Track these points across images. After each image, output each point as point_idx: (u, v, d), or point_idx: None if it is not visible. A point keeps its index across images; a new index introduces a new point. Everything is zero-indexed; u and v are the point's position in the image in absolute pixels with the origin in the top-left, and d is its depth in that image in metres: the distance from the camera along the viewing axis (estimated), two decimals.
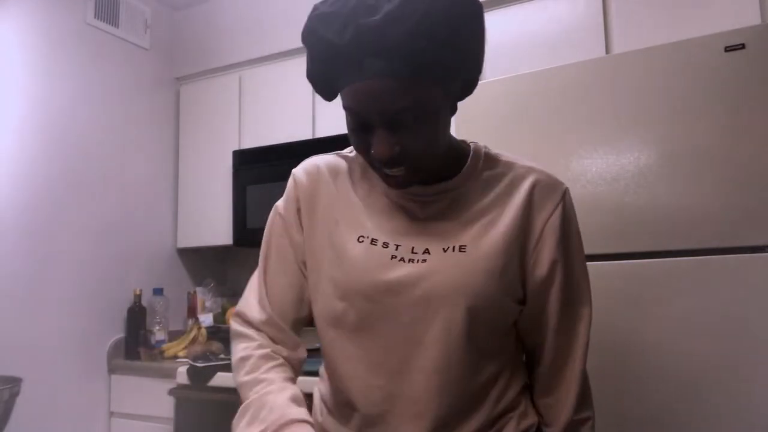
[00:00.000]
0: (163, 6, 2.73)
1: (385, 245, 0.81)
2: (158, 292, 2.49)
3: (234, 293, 2.86)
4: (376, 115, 0.71)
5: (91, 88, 2.36)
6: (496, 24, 2.05)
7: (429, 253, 0.79)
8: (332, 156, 0.92)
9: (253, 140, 2.50)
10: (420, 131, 0.72)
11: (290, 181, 0.93)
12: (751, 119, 1.28)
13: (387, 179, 0.77)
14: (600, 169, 1.41)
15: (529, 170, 0.83)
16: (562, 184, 0.84)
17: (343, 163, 0.90)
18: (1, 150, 2.03)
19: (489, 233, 0.79)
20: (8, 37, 2.08)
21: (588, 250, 1.40)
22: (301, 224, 0.90)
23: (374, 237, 0.81)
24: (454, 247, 0.79)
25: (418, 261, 0.79)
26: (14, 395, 1.31)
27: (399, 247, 0.80)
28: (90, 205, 2.31)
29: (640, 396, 1.31)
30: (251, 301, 0.91)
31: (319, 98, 2.37)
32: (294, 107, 2.42)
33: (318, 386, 0.96)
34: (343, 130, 2.25)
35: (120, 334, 2.38)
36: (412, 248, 0.80)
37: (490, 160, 0.85)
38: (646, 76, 1.39)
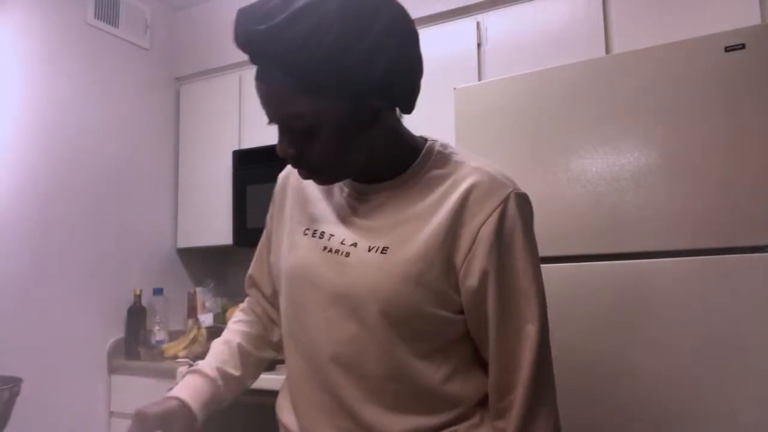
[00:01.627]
0: (163, 6, 2.73)
1: (321, 235, 0.82)
2: (158, 292, 2.49)
3: (234, 293, 2.86)
4: (272, 116, 0.73)
5: (91, 88, 2.36)
6: (496, 24, 2.05)
7: (356, 247, 0.78)
8: None
9: (253, 140, 2.49)
10: (315, 141, 0.72)
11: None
12: (751, 119, 1.27)
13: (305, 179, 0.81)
14: (600, 169, 1.41)
15: (474, 171, 0.78)
16: (507, 186, 0.77)
17: None
18: (0, 150, 2.03)
19: (414, 237, 0.76)
20: (8, 37, 2.08)
21: (588, 250, 1.41)
22: (272, 220, 0.98)
23: (316, 228, 0.83)
24: (377, 248, 0.77)
25: (342, 253, 0.79)
26: (14, 395, 1.31)
27: (332, 238, 0.81)
28: (90, 205, 2.31)
29: (639, 396, 1.31)
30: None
31: None
32: None
33: None
34: None
35: (120, 334, 2.38)
36: (342, 240, 0.80)
37: (441, 160, 0.81)
38: (646, 76, 1.38)
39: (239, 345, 0.95)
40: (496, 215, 0.75)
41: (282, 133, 0.75)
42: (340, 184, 0.86)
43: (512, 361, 0.77)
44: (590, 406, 1.36)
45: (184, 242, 2.68)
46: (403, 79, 0.75)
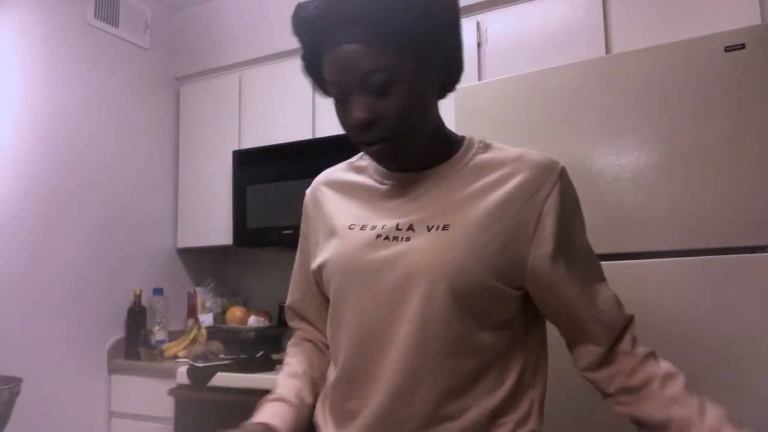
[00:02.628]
0: (163, 6, 2.73)
1: (373, 228, 0.83)
2: (158, 292, 2.49)
3: (234, 293, 2.86)
4: (349, 80, 0.75)
5: (91, 88, 2.36)
6: (496, 24, 2.05)
7: (413, 230, 0.80)
8: (339, 165, 0.98)
9: (253, 140, 2.50)
10: (393, 97, 0.75)
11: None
12: (751, 119, 1.28)
13: (373, 155, 0.81)
14: (600, 169, 1.41)
15: (522, 153, 0.84)
16: (557, 163, 0.84)
17: (342, 169, 0.97)
18: (0, 149, 2.03)
19: (474, 212, 0.79)
20: (8, 37, 2.08)
21: None
22: (305, 240, 0.99)
23: (363, 224, 0.85)
24: (437, 226, 0.79)
25: (401, 239, 0.80)
26: (14, 395, 1.31)
27: (384, 227, 0.82)
28: (90, 205, 2.31)
29: None
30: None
31: (319, 98, 2.37)
32: (294, 107, 2.42)
33: None
34: (341, 130, 2.26)
35: (120, 334, 2.38)
36: (397, 225, 0.82)
37: (484, 148, 0.87)
38: (646, 76, 1.38)
39: (305, 372, 0.94)
40: (557, 188, 0.81)
41: (362, 95, 0.76)
42: (374, 180, 0.89)
43: (604, 312, 0.85)
44: (590, 406, 1.36)
45: (184, 242, 2.68)
46: (452, 58, 0.82)
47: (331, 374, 0.89)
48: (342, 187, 0.93)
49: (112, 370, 2.31)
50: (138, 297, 2.39)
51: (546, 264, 0.79)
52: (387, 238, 0.81)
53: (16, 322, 2.02)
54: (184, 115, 2.76)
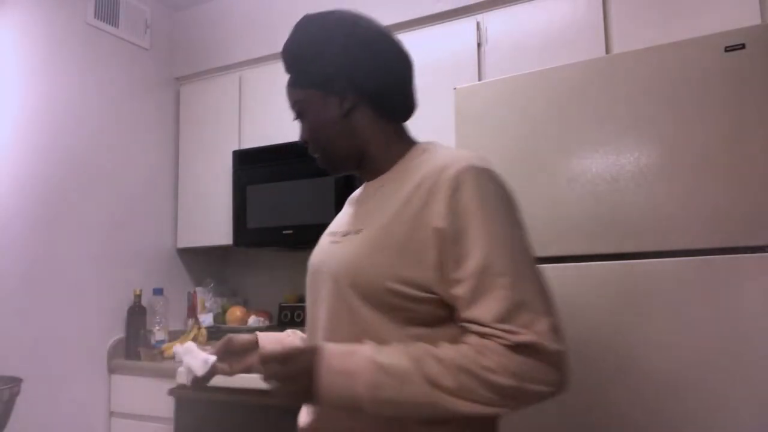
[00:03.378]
0: (163, 6, 2.73)
1: (332, 234, 0.99)
2: (158, 292, 2.49)
3: (234, 293, 2.86)
4: (292, 108, 1.00)
5: (91, 88, 2.36)
6: (496, 24, 2.05)
7: (345, 235, 0.94)
8: None
9: (253, 140, 2.49)
10: (309, 123, 0.97)
11: None
12: (751, 119, 1.27)
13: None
14: (600, 169, 1.41)
15: (441, 153, 0.90)
16: (466, 160, 0.85)
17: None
18: (0, 149, 2.03)
19: (382, 215, 0.88)
20: (8, 37, 2.08)
21: (588, 250, 1.41)
22: None
23: (332, 231, 1.01)
24: (355, 231, 0.91)
25: (336, 243, 0.95)
26: (14, 395, 1.31)
27: (337, 233, 0.98)
28: (90, 205, 2.31)
29: (639, 396, 1.31)
30: None
31: None
32: None
33: None
34: None
35: (120, 334, 2.38)
36: (341, 232, 0.96)
37: (421, 152, 0.95)
38: (646, 76, 1.38)
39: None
40: (452, 183, 0.82)
41: (299, 120, 1.00)
42: (363, 190, 1.03)
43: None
44: (590, 406, 1.36)
45: (184, 242, 2.68)
46: (366, 85, 0.94)
47: None
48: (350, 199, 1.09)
49: (112, 370, 2.31)
50: (138, 297, 2.39)
51: (436, 240, 0.82)
52: (333, 242, 0.96)
53: (16, 322, 2.01)
54: (184, 115, 2.76)
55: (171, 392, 2.04)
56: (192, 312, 2.63)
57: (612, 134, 1.41)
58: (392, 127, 0.99)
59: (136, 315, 2.37)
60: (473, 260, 0.79)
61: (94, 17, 2.37)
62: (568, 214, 1.43)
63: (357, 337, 0.83)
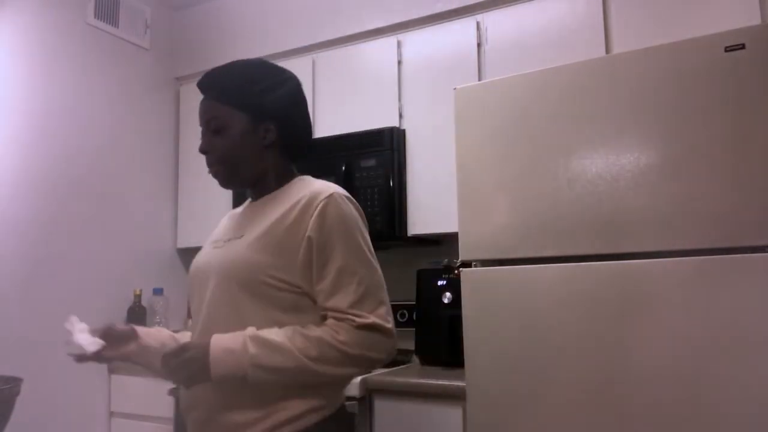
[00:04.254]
0: (163, 6, 2.73)
1: (216, 243, 1.17)
2: (158, 292, 2.49)
3: None
4: (201, 121, 1.16)
5: (91, 88, 2.36)
6: (496, 24, 2.05)
7: (227, 241, 1.13)
8: None
9: None
10: (226, 140, 1.13)
11: None
12: (751, 119, 1.27)
13: (212, 176, 1.18)
14: (600, 169, 1.41)
15: (311, 188, 1.11)
16: (330, 190, 1.10)
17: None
18: (0, 149, 2.03)
19: (261, 224, 1.09)
20: (8, 36, 2.08)
21: (587, 250, 1.41)
22: None
23: (215, 239, 1.20)
24: (237, 237, 1.12)
25: (219, 247, 1.14)
26: (14, 395, 1.31)
27: (218, 241, 1.17)
28: (90, 205, 2.31)
29: (639, 396, 1.31)
30: None
31: (318, 98, 2.37)
32: None
33: None
34: (341, 130, 2.27)
35: None
36: (223, 239, 1.16)
37: (298, 183, 1.17)
38: (646, 76, 1.38)
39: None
40: (324, 204, 1.07)
41: (205, 133, 1.16)
42: (246, 207, 1.21)
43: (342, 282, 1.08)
44: (590, 406, 1.36)
45: (184, 242, 2.68)
46: (288, 125, 1.17)
47: None
48: (231, 213, 1.28)
49: (112, 370, 2.31)
50: (138, 297, 2.39)
51: (304, 248, 1.06)
52: (216, 248, 1.15)
53: (16, 322, 2.01)
54: (184, 115, 2.76)
55: (171, 392, 2.04)
56: None
57: (612, 134, 1.41)
58: (289, 162, 1.21)
59: (136, 315, 2.37)
60: (334, 263, 1.05)
61: (94, 17, 2.37)
62: (568, 214, 1.43)
63: (236, 320, 1.04)
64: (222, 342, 1.00)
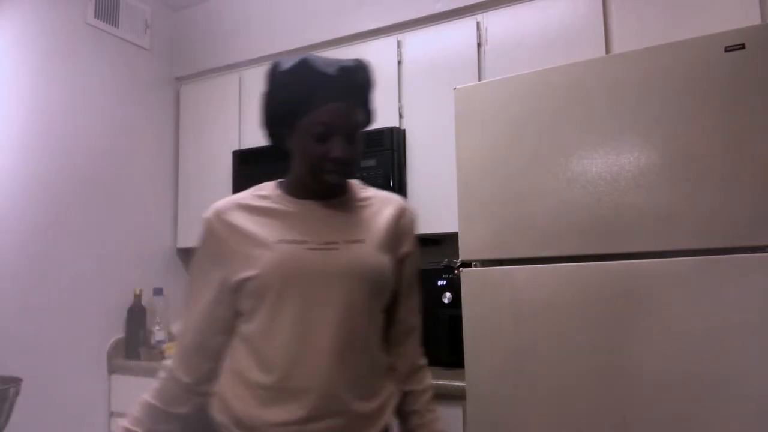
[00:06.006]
0: (163, 6, 2.73)
1: (300, 242, 1.07)
2: (158, 292, 2.49)
3: None
4: (345, 127, 1.04)
5: (91, 88, 2.36)
6: (496, 24, 2.05)
7: (336, 243, 1.07)
8: (239, 195, 1.17)
9: (253, 140, 2.49)
10: (359, 146, 1.09)
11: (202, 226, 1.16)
12: (751, 119, 1.28)
13: (327, 183, 1.07)
14: (600, 169, 1.41)
15: (390, 197, 1.20)
16: (401, 199, 1.22)
17: (247, 197, 1.15)
18: (0, 149, 2.03)
19: (375, 230, 1.12)
20: (8, 36, 2.08)
21: (587, 250, 1.41)
22: (221, 255, 1.12)
23: (291, 239, 1.07)
24: (355, 240, 1.09)
25: (328, 249, 1.07)
26: (14, 395, 1.31)
27: (308, 242, 1.07)
28: (90, 204, 2.31)
29: (638, 397, 1.31)
30: None
31: None
32: None
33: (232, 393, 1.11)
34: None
35: (120, 334, 2.38)
36: (321, 241, 1.07)
37: (359, 189, 1.19)
38: (646, 76, 1.39)
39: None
40: (412, 220, 1.22)
41: (348, 140, 1.06)
42: (285, 207, 1.11)
43: (414, 305, 1.22)
44: (590, 406, 1.36)
45: (184, 242, 2.68)
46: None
47: (266, 366, 1.04)
48: (254, 210, 1.11)
49: (112, 370, 2.31)
50: (138, 297, 2.39)
51: (401, 259, 1.17)
52: (315, 249, 1.06)
53: (16, 322, 2.02)
54: (184, 115, 2.76)
55: None
56: None
57: (612, 134, 1.41)
58: None
59: (136, 315, 2.37)
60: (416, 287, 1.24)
61: (94, 17, 2.37)
62: (568, 214, 1.43)
63: (368, 326, 1.09)
64: None
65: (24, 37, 2.12)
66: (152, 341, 2.37)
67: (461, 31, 2.10)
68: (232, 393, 1.08)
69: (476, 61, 2.06)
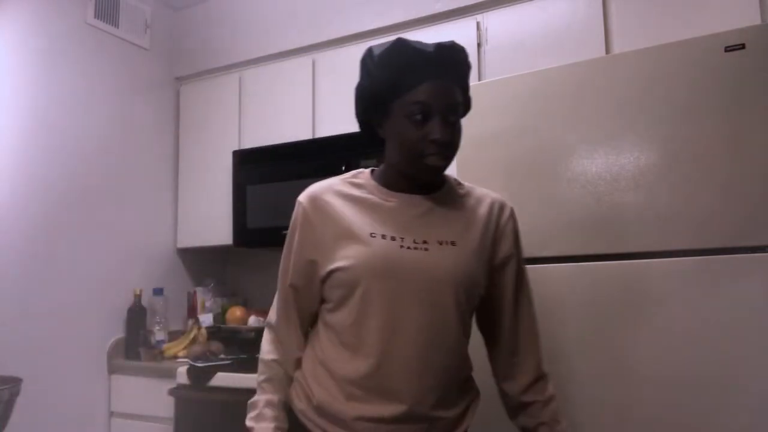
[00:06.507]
0: (163, 6, 2.73)
1: (393, 238, 1.02)
2: (158, 292, 2.49)
3: (234, 293, 2.86)
4: (443, 107, 0.98)
5: (91, 88, 2.36)
6: (496, 24, 2.05)
7: (428, 243, 1.02)
8: (335, 179, 1.12)
9: (253, 140, 2.49)
10: (459, 127, 1.03)
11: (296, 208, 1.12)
12: (751, 119, 1.28)
13: (430, 168, 1.01)
14: (600, 169, 1.41)
15: (487, 193, 1.14)
16: (508, 203, 1.15)
17: (341, 183, 1.10)
18: (0, 150, 2.03)
19: (470, 233, 1.07)
20: (8, 36, 2.08)
21: (587, 250, 1.41)
22: (313, 241, 1.08)
23: (383, 233, 1.02)
24: (447, 242, 1.04)
25: (420, 249, 1.02)
26: (14, 395, 1.31)
27: (404, 239, 1.02)
28: (90, 204, 2.31)
29: (638, 397, 1.31)
30: None
31: (319, 98, 2.37)
32: (294, 107, 2.42)
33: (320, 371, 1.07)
34: (342, 130, 2.26)
35: (120, 334, 2.38)
36: (414, 238, 1.03)
37: (457, 185, 1.14)
38: (646, 76, 1.39)
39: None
40: (511, 217, 1.13)
41: (447, 121, 1.00)
42: (381, 199, 1.07)
43: (529, 311, 1.16)
44: (589, 406, 1.36)
45: (184, 242, 2.68)
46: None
47: (353, 361, 1.02)
48: (349, 198, 1.07)
49: (112, 370, 2.31)
50: (138, 297, 2.39)
51: (500, 263, 1.12)
52: (408, 248, 1.01)
53: (16, 323, 2.01)
54: (184, 115, 2.76)
55: (171, 392, 2.04)
56: (192, 312, 2.63)
57: (612, 134, 1.41)
58: None
59: (136, 315, 2.37)
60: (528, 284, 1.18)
61: (94, 17, 2.37)
62: (568, 214, 1.43)
63: (453, 331, 1.04)
64: None
65: (24, 37, 2.12)
66: (152, 341, 2.37)
67: (461, 31, 2.10)
68: (316, 382, 1.05)
69: (476, 61, 2.05)
